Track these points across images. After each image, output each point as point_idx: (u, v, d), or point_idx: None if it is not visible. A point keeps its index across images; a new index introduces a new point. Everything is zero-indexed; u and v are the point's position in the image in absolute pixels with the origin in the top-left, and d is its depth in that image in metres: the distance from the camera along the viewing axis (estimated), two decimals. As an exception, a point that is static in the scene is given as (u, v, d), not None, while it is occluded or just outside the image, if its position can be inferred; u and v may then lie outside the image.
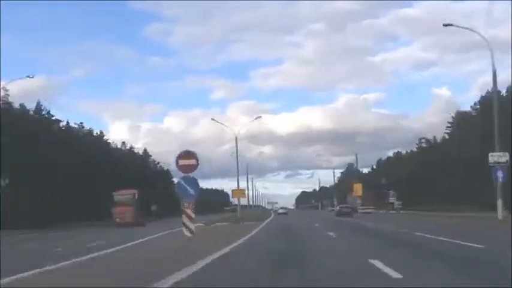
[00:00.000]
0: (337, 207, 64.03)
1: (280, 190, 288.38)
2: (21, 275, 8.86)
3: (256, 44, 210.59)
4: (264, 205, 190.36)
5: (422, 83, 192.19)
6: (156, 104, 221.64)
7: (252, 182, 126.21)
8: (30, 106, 54.44)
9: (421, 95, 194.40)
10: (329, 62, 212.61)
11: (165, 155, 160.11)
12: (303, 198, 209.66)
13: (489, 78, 34.99)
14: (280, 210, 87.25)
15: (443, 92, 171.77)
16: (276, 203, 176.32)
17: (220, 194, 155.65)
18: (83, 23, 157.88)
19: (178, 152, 14.63)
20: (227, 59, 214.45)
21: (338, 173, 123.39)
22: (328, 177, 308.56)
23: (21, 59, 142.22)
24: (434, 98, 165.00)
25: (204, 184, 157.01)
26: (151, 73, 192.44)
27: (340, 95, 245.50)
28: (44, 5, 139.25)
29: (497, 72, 32.74)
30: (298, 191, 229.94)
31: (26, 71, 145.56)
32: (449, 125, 77.04)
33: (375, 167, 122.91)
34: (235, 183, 49.26)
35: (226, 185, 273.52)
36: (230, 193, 59.88)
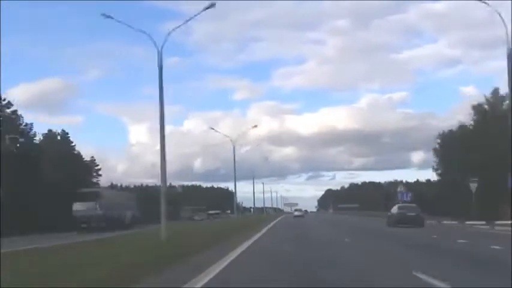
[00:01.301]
0: (395, 208, 36.24)
1: (302, 192, 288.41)
2: None
3: (277, 42, 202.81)
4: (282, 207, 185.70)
5: (449, 81, 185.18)
6: (176, 105, 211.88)
7: (262, 185, 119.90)
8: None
9: (448, 93, 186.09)
10: (353, 60, 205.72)
11: (185, 157, 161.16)
12: (331, 198, 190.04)
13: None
14: (295, 213, 76.86)
15: (471, 90, 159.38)
16: (296, 204, 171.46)
17: (224, 194, 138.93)
18: (98, 22, 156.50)
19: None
20: (247, 59, 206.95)
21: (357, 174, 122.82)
22: (347, 180, 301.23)
23: (36, 60, 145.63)
24: (462, 97, 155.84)
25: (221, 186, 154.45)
26: (170, 73, 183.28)
27: (364, 95, 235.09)
28: (59, 4, 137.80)
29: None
30: (319, 193, 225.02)
31: (41, 73, 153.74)
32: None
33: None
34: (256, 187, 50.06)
35: (245, 187, 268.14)
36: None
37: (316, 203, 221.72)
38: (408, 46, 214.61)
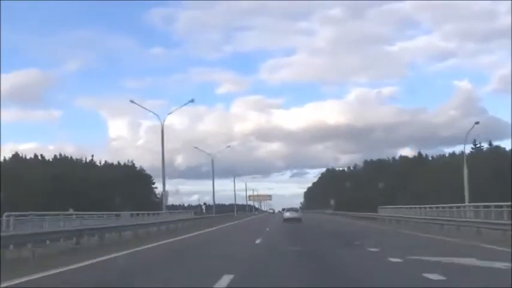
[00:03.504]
0: None
1: (285, 190, 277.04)
2: None
3: (266, 32, 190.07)
4: (260, 207, 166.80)
5: (441, 75, 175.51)
6: (158, 100, 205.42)
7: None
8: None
9: (440, 88, 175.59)
10: (343, 52, 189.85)
11: (166, 154, 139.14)
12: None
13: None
14: (287, 214, 50.67)
15: (464, 84, 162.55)
16: (269, 197, 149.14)
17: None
18: (77, 10, 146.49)
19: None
20: (234, 50, 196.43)
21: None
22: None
23: (12, 50, 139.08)
24: (454, 91, 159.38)
25: (205, 185, 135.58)
26: (152, 65, 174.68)
27: (353, 89, 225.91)
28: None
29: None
30: (302, 191, 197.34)
31: (18, 63, 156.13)
32: None
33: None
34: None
35: (228, 185, 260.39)
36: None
37: (302, 199, 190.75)
38: (402, 37, 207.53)
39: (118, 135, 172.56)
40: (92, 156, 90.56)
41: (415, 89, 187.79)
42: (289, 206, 57.24)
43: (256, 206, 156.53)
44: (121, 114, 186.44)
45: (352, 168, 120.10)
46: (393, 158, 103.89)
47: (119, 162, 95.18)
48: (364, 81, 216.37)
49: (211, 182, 79.23)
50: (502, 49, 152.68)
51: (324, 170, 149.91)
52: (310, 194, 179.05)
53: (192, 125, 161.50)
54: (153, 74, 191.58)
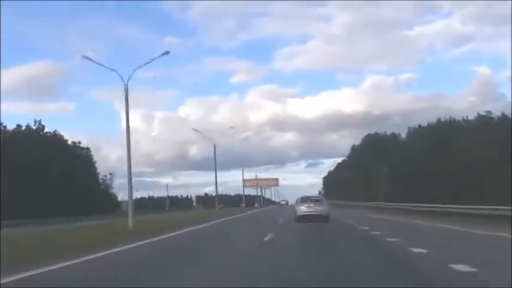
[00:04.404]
0: None
1: (300, 181, 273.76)
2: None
3: (282, 18, 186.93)
4: (275, 199, 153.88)
5: (460, 61, 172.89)
6: (171, 90, 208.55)
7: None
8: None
9: (458, 73, 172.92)
10: (360, 38, 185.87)
11: (180, 145, 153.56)
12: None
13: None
14: (302, 208, 27.14)
15: (483, 69, 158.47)
16: (275, 181, 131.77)
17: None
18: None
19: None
20: (249, 37, 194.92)
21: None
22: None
23: (25, 43, 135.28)
24: (473, 77, 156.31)
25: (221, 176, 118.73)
26: (166, 55, 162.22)
27: (370, 76, 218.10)
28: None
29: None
30: (317, 181, 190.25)
31: (30, 56, 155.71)
32: None
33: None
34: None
35: (238, 176, 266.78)
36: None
37: (319, 188, 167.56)
38: (420, 22, 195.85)
39: (131, 127, 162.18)
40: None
41: (433, 75, 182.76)
42: (304, 195, 30.70)
43: (253, 195, 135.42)
44: (134, 105, 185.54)
45: (404, 135, 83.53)
46: (466, 117, 69.21)
47: (29, 125, 67.67)
48: (381, 68, 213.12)
49: (224, 173, 60.02)
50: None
51: (337, 159, 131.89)
52: (332, 179, 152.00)
53: (206, 115, 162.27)
54: (166, 64, 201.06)
